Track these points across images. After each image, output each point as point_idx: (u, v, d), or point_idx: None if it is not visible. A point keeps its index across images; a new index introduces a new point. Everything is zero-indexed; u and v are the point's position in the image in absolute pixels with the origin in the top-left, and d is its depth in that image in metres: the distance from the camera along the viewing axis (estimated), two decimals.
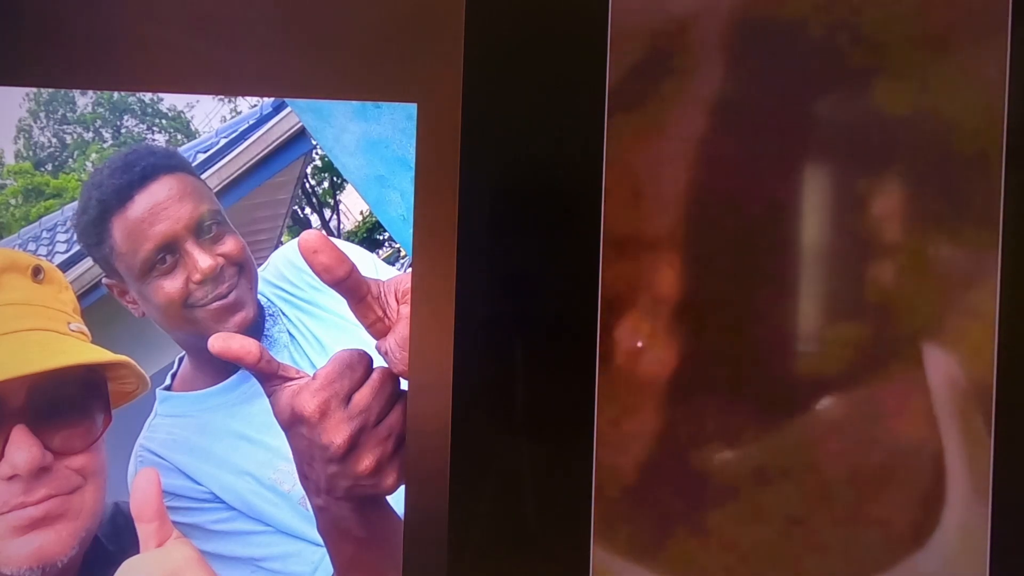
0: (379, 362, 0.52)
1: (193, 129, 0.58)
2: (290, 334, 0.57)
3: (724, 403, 0.53)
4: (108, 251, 0.52)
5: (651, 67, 0.52)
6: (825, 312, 0.53)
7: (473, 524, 0.53)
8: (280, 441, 0.51)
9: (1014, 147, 0.52)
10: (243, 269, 0.54)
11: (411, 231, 0.52)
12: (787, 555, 0.53)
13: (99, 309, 0.54)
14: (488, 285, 0.52)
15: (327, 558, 0.53)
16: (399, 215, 0.55)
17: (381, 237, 0.58)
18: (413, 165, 0.52)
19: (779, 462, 0.53)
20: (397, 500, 0.53)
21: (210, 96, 0.55)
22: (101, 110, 0.56)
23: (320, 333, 0.56)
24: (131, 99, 0.57)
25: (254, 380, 0.51)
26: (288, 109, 0.55)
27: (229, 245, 0.54)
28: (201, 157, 0.56)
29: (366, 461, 0.50)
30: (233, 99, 0.56)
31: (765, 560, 0.54)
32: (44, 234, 0.54)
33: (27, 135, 0.55)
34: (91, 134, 0.56)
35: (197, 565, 0.50)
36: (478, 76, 0.52)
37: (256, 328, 0.55)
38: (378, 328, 0.52)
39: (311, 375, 0.50)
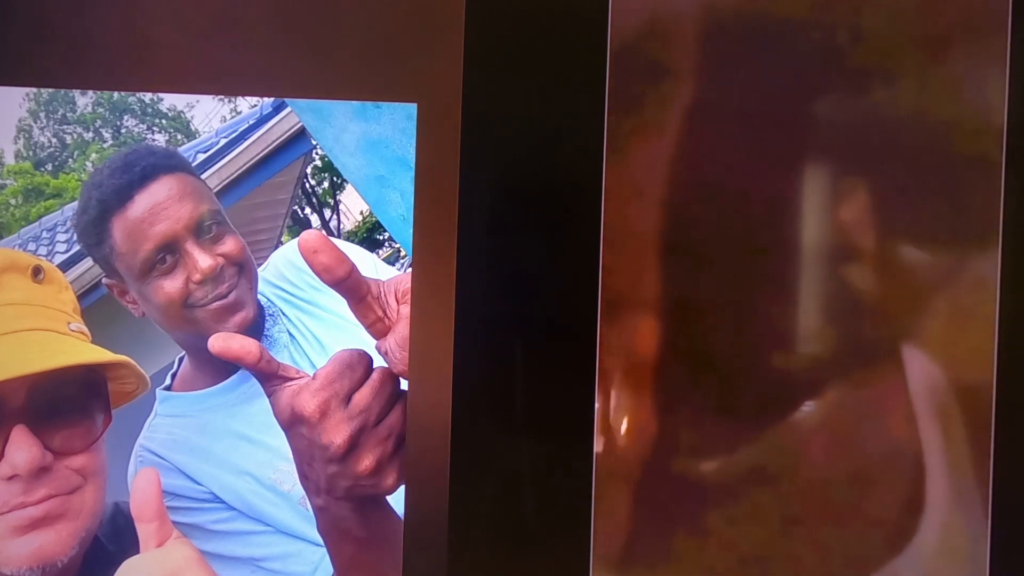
0: (379, 362, 0.52)
1: (193, 129, 0.58)
2: (290, 334, 0.57)
3: (722, 404, 0.53)
4: (108, 251, 0.52)
5: (651, 67, 0.52)
6: (824, 313, 0.53)
7: (473, 524, 0.53)
8: (280, 441, 0.51)
9: (1014, 147, 0.52)
10: (243, 269, 0.54)
11: (411, 231, 0.52)
12: (787, 555, 0.53)
13: (99, 309, 0.54)
14: (488, 285, 0.52)
15: (327, 558, 0.53)
16: (399, 215, 0.55)
17: (381, 237, 0.58)
18: (413, 165, 0.52)
19: (777, 463, 0.53)
20: (397, 500, 0.53)
21: (210, 96, 0.55)
22: (101, 110, 0.56)
23: (320, 333, 0.56)
24: (131, 99, 0.57)
25: (254, 380, 0.51)
26: (288, 109, 0.55)
27: (229, 245, 0.54)
28: (201, 157, 0.56)
29: (366, 461, 0.50)
30: (233, 99, 0.56)
31: (765, 560, 0.54)
32: (44, 234, 0.54)
33: (27, 135, 0.55)
34: (91, 134, 0.56)
35: (197, 565, 0.50)
36: (478, 76, 0.52)
37: (256, 328, 0.55)
38: (378, 328, 0.52)
39: (311, 375, 0.50)
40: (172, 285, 0.52)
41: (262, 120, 0.56)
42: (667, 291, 0.53)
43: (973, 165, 0.52)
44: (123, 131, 0.57)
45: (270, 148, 0.57)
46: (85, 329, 0.52)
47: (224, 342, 0.49)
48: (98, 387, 0.52)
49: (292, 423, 0.50)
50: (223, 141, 0.56)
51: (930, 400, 0.52)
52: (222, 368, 0.55)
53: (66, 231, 0.53)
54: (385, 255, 0.58)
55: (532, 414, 0.53)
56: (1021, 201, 0.52)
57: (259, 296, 0.56)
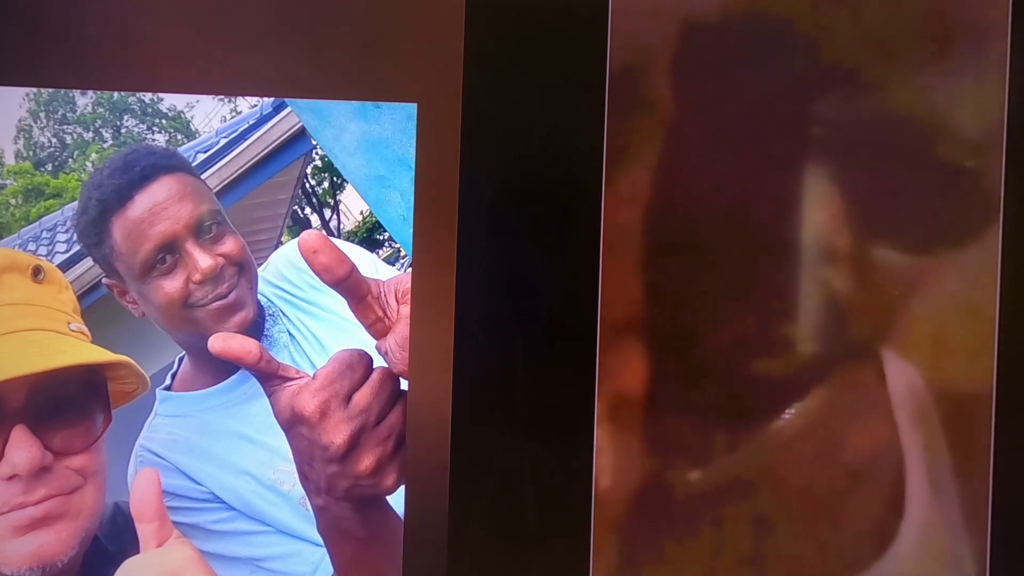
0: (379, 362, 0.52)
1: (193, 129, 0.58)
2: (290, 334, 0.57)
3: (722, 406, 0.53)
4: (108, 251, 0.52)
5: (651, 67, 0.52)
6: (823, 313, 0.53)
7: (473, 524, 0.53)
8: (280, 441, 0.51)
9: (1014, 147, 0.52)
10: (243, 269, 0.54)
11: (411, 231, 0.52)
12: (787, 556, 0.53)
13: (99, 309, 0.54)
14: (488, 285, 0.52)
15: (327, 558, 0.53)
16: (399, 215, 0.55)
17: (381, 237, 0.58)
18: (413, 165, 0.52)
19: (778, 463, 0.53)
20: (397, 500, 0.53)
21: (210, 96, 0.55)
22: (101, 110, 0.56)
23: (320, 333, 0.56)
24: (131, 99, 0.57)
25: (254, 380, 0.51)
26: (288, 109, 0.55)
27: (229, 245, 0.54)
28: (201, 157, 0.56)
29: (366, 461, 0.50)
30: (233, 99, 0.56)
31: (765, 561, 0.54)
32: (44, 234, 0.54)
33: (27, 135, 0.55)
34: (91, 134, 0.56)
35: (197, 565, 0.50)
36: (478, 76, 0.52)
37: (256, 328, 0.55)
38: (378, 328, 0.52)
39: (311, 375, 0.50)
40: (172, 285, 0.52)
41: (262, 120, 0.56)
42: (666, 291, 0.53)
43: (972, 166, 0.52)
44: (123, 131, 0.57)
45: (270, 148, 0.57)
46: (85, 329, 0.52)
47: (224, 342, 0.49)
48: (98, 387, 0.52)
49: (292, 423, 0.50)
50: (223, 141, 0.56)
51: (911, 403, 0.52)
52: (222, 368, 0.55)
53: (66, 231, 0.53)
54: (385, 255, 0.58)
55: (532, 414, 0.53)
56: (1021, 201, 0.52)
57: (259, 296, 0.56)
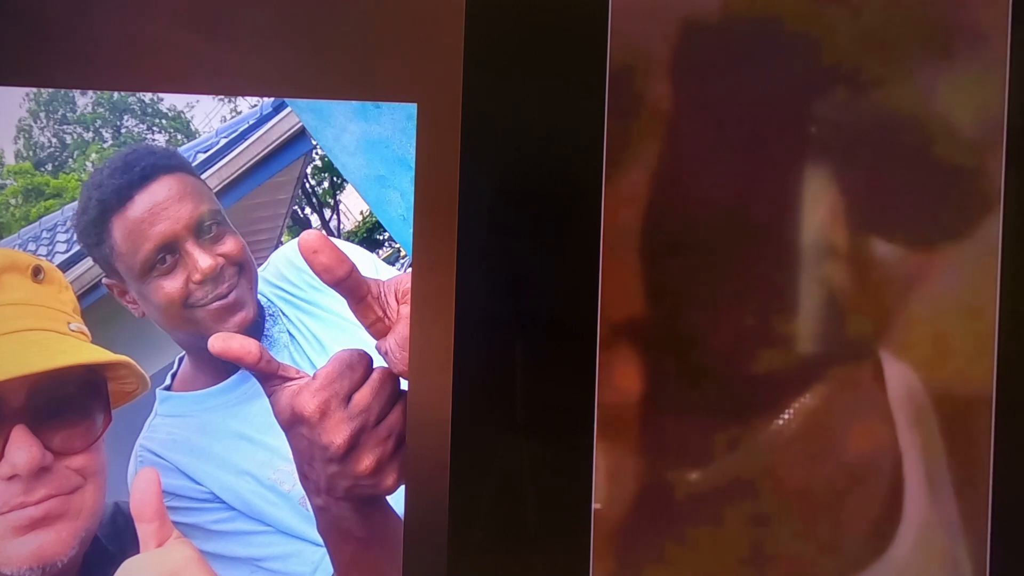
0: (379, 362, 0.52)
1: (193, 129, 0.58)
2: (290, 334, 0.57)
3: (721, 406, 0.53)
4: (108, 251, 0.52)
5: (651, 67, 0.52)
6: (824, 313, 0.53)
7: (473, 524, 0.53)
8: (280, 441, 0.51)
9: (1014, 147, 0.52)
10: (243, 269, 0.54)
11: (411, 231, 0.52)
12: (786, 555, 0.53)
13: (99, 309, 0.54)
14: (488, 285, 0.52)
15: (327, 558, 0.53)
16: (399, 215, 0.55)
17: (381, 237, 0.58)
18: (413, 165, 0.52)
19: (779, 464, 0.53)
20: (397, 500, 0.53)
21: (210, 96, 0.55)
22: (101, 110, 0.56)
23: (320, 333, 0.56)
24: (131, 99, 0.57)
25: (254, 380, 0.51)
26: (288, 109, 0.55)
27: (229, 245, 0.54)
28: (201, 157, 0.56)
29: (366, 461, 0.50)
30: (233, 99, 0.56)
31: (765, 560, 0.54)
32: (44, 234, 0.54)
33: (27, 135, 0.55)
34: (91, 134, 0.56)
35: (197, 565, 0.50)
36: (478, 76, 0.52)
37: (256, 328, 0.55)
38: (378, 328, 0.52)
39: (311, 375, 0.50)
40: (172, 285, 0.52)
41: (262, 120, 0.56)
42: (666, 291, 0.53)
43: (972, 166, 0.52)
44: (123, 131, 0.57)
45: (270, 148, 0.57)
46: (85, 329, 0.52)
47: (224, 342, 0.49)
48: (98, 387, 0.52)
49: (292, 423, 0.50)
50: (223, 141, 0.56)
51: (910, 404, 0.52)
52: (222, 368, 0.55)
53: (66, 231, 0.53)
54: (385, 255, 0.58)
55: (532, 414, 0.53)
56: (1021, 201, 0.52)
57: (259, 296, 0.56)
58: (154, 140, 0.57)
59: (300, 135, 0.56)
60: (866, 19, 0.52)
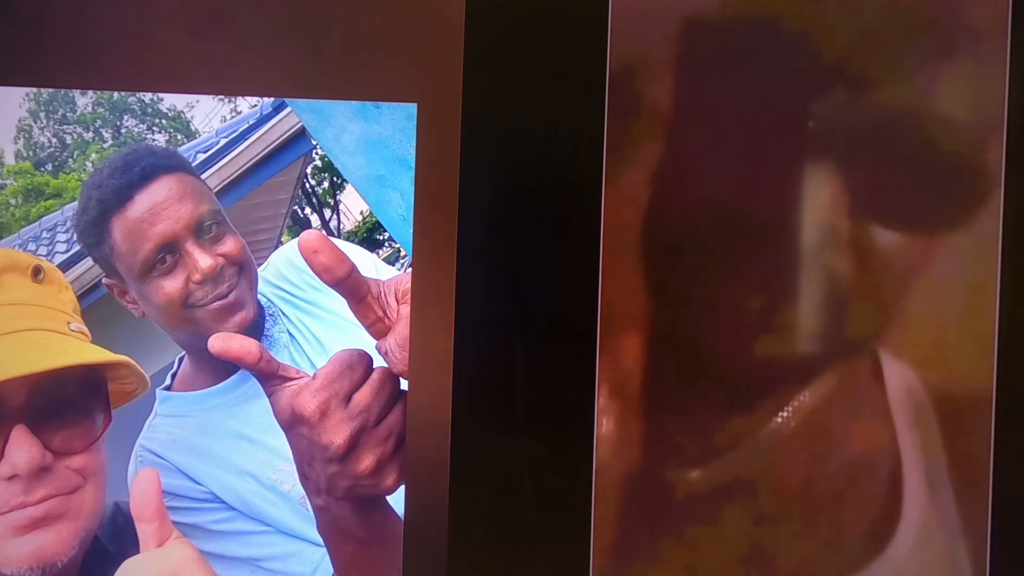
0: (379, 362, 0.52)
1: (193, 129, 0.58)
2: (290, 334, 0.57)
3: (721, 405, 0.53)
4: (108, 251, 0.52)
5: (651, 67, 0.52)
6: (824, 313, 0.53)
7: (473, 524, 0.53)
8: (280, 441, 0.51)
9: (1014, 147, 0.52)
10: (243, 269, 0.54)
11: (411, 231, 0.52)
12: (786, 555, 0.53)
13: (99, 309, 0.54)
14: (488, 285, 0.52)
15: (327, 558, 0.53)
16: (399, 215, 0.55)
17: (381, 237, 0.58)
18: (413, 165, 0.52)
19: (780, 464, 0.53)
20: (397, 500, 0.53)
21: (210, 96, 0.55)
22: (101, 110, 0.56)
23: (320, 333, 0.56)
24: (131, 99, 0.57)
25: (254, 380, 0.51)
26: (288, 109, 0.55)
27: (229, 245, 0.54)
28: (201, 157, 0.56)
29: (366, 461, 0.50)
30: (233, 99, 0.56)
31: (764, 560, 0.54)
32: (44, 234, 0.54)
33: (27, 135, 0.55)
34: (91, 134, 0.56)
35: (197, 565, 0.50)
36: (478, 76, 0.52)
37: (256, 328, 0.55)
38: (378, 328, 0.52)
39: (311, 375, 0.50)
40: (172, 285, 0.52)
41: (262, 120, 0.56)
42: (666, 291, 0.53)
43: (972, 166, 0.52)
44: (123, 131, 0.57)
45: (270, 148, 0.57)
46: (85, 329, 0.52)
47: (224, 342, 0.49)
48: (98, 387, 0.52)
49: (292, 423, 0.50)
50: (223, 141, 0.56)
51: (910, 404, 0.52)
52: (222, 368, 0.55)
53: (66, 231, 0.53)
54: (385, 255, 0.58)
55: (532, 414, 0.53)
56: (1021, 201, 0.52)
57: (259, 296, 0.56)
58: (154, 140, 0.57)
59: (300, 135, 0.56)
60: (866, 18, 0.52)
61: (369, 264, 0.56)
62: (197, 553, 0.50)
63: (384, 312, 0.51)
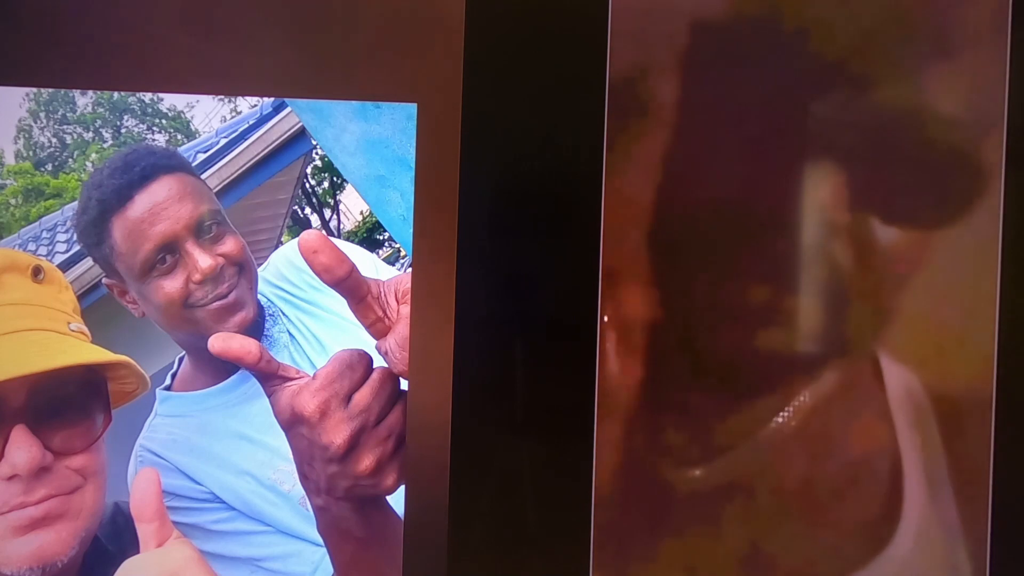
0: (379, 362, 0.52)
1: (193, 129, 0.58)
2: (290, 334, 0.57)
3: (721, 404, 0.53)
4: (108, 251, 0.52)
5: (651, 67, 0.52)
6: (824, 313, 0.53)
7: (473, 524, 0.53)
8: (280, 441, 0.51)
9: (1014, 147, 0.52)
10: (243, 269, 0.54)
11: (411, 231, 0.52)
12: (786, 554, 0.53)
13: (99, 309, 0.54)
14: (488, 285, 0.52)
15: (327, 558, 0.53)
16: (399, 215, 0.55)
17: (381, 237, 0.58)
18: (413, 165, 0.52)
19: (779, 463, 0.53)
20: (397, 500, 0.53)
21: (210, 96, 0.55)
22: (101, 110, 0.56)
23: (320, 333, 0.56)
24: (131, 99, 0.57)
25: (254, 380, 0.51)
26: (288, 109, 0.55)
27: (229, 245, 0.54)
28: (201, 157, 0.56)
29: (366, 461, 0.50)
30: (233, 99, 0.56)
31: (765, 560, 0.54)
32: (44, 234, 0.54)
33: (27, 135, 0.55)
34: (91, 134, 0.56)
35: (197, 565, 0.50)
36: (478, 76, 0.52)
37: (256, 328, 0.55)
38: (378, 328, 0.52)
39: (311, 375, 0.50)
40: (172, 285, 0.52)
41: (262, 120, 0.56)
42: (666, 291, 0.53)
43: (972, 166, 0.52)
44: (123, 131, 0.57)
45: (270, 148, 0.57)
46: (85, 329, 0.52)
47: (224, 342, 0.49)
48: (98, 387, 0.52)
49: (292, 423, 0.50)
50: (223, 141, 0.56)
51: (910, 405, 0.52)
52: (222, 368, 0.55)
53: (66, 231, 0.53)
54: (385, 255, 0.58)
55: (532, 414, 0.53)
56: (1021, 201, 0.52)
57: (259, 296, 0.56)
58: (154, 140, 0.57)
59: (300, 135, 0.56)
60: (866, 17, 0.52)
61: (369, 264, 0.56)
62: (197, 553, 0.50)
63: (384, 312, 0.51)
